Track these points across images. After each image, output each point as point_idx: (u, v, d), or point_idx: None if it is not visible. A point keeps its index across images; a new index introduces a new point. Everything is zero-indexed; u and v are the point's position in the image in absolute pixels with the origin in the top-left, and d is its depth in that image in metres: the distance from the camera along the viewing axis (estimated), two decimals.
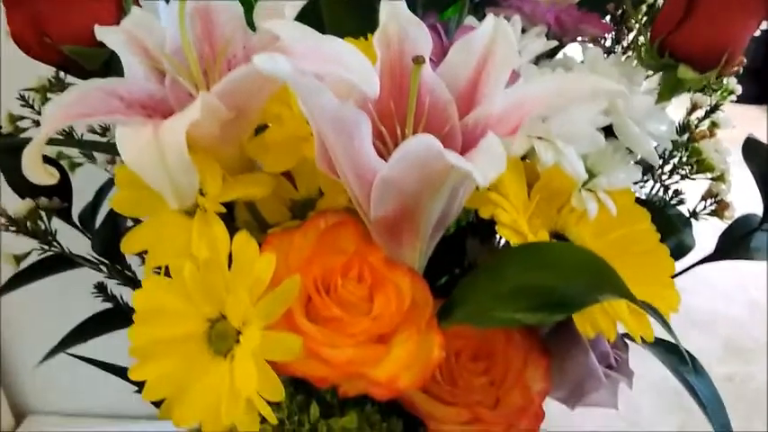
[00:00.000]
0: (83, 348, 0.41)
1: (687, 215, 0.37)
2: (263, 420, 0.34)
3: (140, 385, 0.29)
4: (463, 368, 0.33)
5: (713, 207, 0.36)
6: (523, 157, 0.33)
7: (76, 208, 0.40)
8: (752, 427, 1.38)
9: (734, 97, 0.40)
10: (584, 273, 0.23)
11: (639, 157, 0.37)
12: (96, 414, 0.84)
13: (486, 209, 0.30)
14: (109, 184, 0.38)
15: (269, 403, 0.35)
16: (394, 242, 0.28)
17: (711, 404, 0.36)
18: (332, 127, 0.22)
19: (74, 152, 0.39)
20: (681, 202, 0.39)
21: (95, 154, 0.37)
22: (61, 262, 0.36)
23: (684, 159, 0.35)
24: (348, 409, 0.34)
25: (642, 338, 0.39)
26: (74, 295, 0.40)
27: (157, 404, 0.27)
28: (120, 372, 0.36)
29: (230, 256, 0.27)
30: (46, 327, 0.79)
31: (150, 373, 0.26)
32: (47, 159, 0.37)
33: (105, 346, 0.40)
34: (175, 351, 0.26)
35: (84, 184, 0.39)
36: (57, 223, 0.37)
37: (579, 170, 0.30)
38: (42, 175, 0.26)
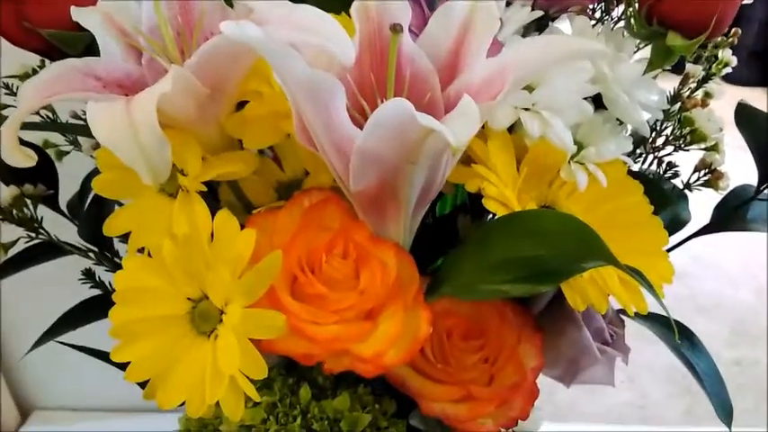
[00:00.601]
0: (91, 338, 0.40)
1: (682, 188, 0.36)
2: (255, 404, 0.34)
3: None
4: (455, 347, 0.33)
5: (707, 178, 0.35)
6: (511, 132, 0.32)
7: (67, 198, 0.40)
8: (759, 410, 1.37)
9: (736, 76, 0.39)
10: (569, 240, 0.22)
11: (631, 130, 0.37)
12: (102, 409, 0.84)
13: (472, 182, 0.29)
14: (95, 172, 0.38)
15: (256, 385, 0.35)
16: (378, 217, 0.27)
17: (710, 380, 0.35)
18: (306, 95, 0.22)
19: (60, 140, 0.38)
20: (675, 175, 0.38)
21: (81, 140, 0.37)
22: (49, 250, 0.35)
23: (677, 130, 0.35)
24: (340, 391, 0.34)
25: (640, 315, 0.39)
26: (78, 292, 0.40)
27: (143, 386, 0.27)
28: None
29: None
30: (49, 323, 0.80)
31: (132, 355, 0.25)
32: (32, 147, 0.37)
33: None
34: (157, 332, 0.26)
35: (74, 174, 0.39)
36: (45, 212, 0.37)
37: (566, 141, 0.29)
38: (19, 157, 0.26)
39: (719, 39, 0.40)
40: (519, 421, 0.37)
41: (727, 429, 0.35)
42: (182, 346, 0.26)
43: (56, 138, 0.39)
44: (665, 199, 0.35)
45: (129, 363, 0.28)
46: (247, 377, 0.25)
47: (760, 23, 2.20)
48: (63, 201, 0.40)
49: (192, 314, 0.26)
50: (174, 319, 0.26)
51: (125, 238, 0.29)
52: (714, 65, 0.40)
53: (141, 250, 0.28)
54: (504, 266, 0.25)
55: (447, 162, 0.26)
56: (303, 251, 0.28)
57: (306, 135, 0.25)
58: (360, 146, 0.22)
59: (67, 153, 0.39)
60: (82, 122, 0.35)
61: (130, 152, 0.22)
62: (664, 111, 0.34)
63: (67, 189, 0.40)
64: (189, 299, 0.26)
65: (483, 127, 0.31)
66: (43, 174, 0.35)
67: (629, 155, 0.35)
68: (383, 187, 0.24)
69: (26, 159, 0.26)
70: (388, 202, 0.26)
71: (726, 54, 0.40)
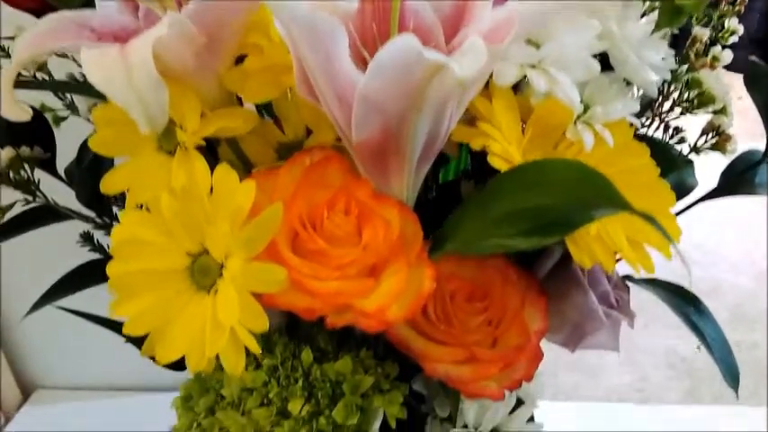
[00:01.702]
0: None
1: (689, 151, 0.36)
2: (258, 366, 0.34)
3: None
4: (459, 309, 0.32)
5: (715, 141, 0.35)
6: (516, 93, 0.32)
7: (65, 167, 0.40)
8: (758, 393, 1.37)
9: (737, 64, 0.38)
10: (577, 187, 0.22)
11: (639, 94, 0.36)
12: (105, 388, 0.84)
13: (477, 140, 0.29)
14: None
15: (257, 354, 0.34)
16: (380, 173, 0.27)
17: (717, 345, 0.35)
18: (307, 39, 0.21)
19: (57, 105, 0.38)
20: (682, 140, 0.37)
21: (78, 103, 0.36)
22: (47, 214, 0.35)
23: (684, 92, 0.34)
24: (342, 355, 0.34)
25: (647, 281, 0.39)
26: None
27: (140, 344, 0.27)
28: (110, 324, 0.35)
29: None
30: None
31: (130, 309, 0.25)
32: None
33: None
34: (156, 286, 0.25)
35: (72, 142, 0.39)
36: (42, 178, 0.37)
37: (573, 97, 0.29)
38: (15, 110, 0.25)
39: (725, 7, 0.40)
40: (524, 386, 0.36)
41: (725, 407, 0.35)
42: (181, 301, 0.25)
43: (53, 103, 0.38)
44: (672, 162, 0.35)
45: (137, 337, 0.28)
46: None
47: (760, 13, 2.19)
48: (61, 169, 0.39)
49: (192, 269, 0.26)
50: (172, 273, 0.25)
51: (122, 203, 0.29)
52: (720, 34, 0.39)
53: (139, 208, 0.28)
54: (509, 220, 0.25)
55: (451, 114, 0.25)
56: (304, 207, 0.27)
57: (307, 86, 0.24)
58: (362, 90, 0.21)
59: (65, 118, 0.38)
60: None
61: (126, 95, 0.21)
62: (671, 72, 0.34)
63: (65, 158, 0.39)
64: (188, 253, 0.26)
65: (487, 87, 0.31)
66: (40, 136, 0.35)
67: (635, 118, 0.35)
68: (386, 138, 0.24)
69: (21, 113, 0.26)
70: (391, 155, 0.25)
71: (732, 23, 0.40)
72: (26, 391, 0.84)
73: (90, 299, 0.38)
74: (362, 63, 0.26)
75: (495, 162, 0.28)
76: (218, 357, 0.26)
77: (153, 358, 0.35)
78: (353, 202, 0.28)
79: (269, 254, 0.26)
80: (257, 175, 0.29)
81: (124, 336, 0.35)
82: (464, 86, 0.19)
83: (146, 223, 0.25)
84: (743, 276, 1.72)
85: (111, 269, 0.25)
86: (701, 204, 0.37)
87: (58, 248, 0.39)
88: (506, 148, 0.28)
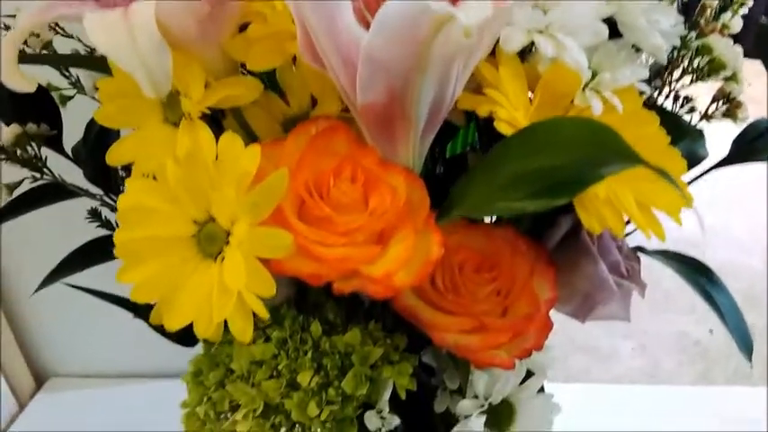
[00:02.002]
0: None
1: (699, 118, 0.35)
2: (267, 339, 0.34)
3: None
4: (467, 279, 0.32)
5: (726, 108, 0.34)
6: (523, 61, 0.32)
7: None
8: None
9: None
10: (587, 144, 0.21)
11: (649, 63, 0.36)
12: (117, 375, 0.85)
13: (483, 107, 0.29)
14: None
15: (263, 321, 0.34)
16: (386, 139, 0.26)
17: (730, 314, 0.34)
18: (311, 1, 0.21)
19: (63, 83, 0.38)
20: (692, 109, 0.37)
21: (83, 81, 0.36)
22: (55, 191, 0.35)
23: (694, 59, 0.33)
24: (351, 327, 0.33)
25: (659, 252, 0.38)
26: (96, 270, 0.39)
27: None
28: (120, 301, 0.35)
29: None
30: (64, 289, 0.80)
31: (137, 276, 0.25)
32: (37, 89, 0.36)
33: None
34: (163, 253, 0.25)
35: (79, 122, 0.39)
36: (49, 158, 0.37)
37: (581, 62, 0.28)
38: (19, 80, 0.25)
39: None
40: (534, 358, 0.36)
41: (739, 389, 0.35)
42: (188, 269, 0.25)
43: (59, 83, 0.38)
44: (682, 131, 0.34)
45: (147, 312, 0.28)
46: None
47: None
48: (68, 149, 0.39)
49: (198, 237, 0.26)
50: (179, 240, 0.25)
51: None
52: (732, 6, 0.38)
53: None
54: (517, 182, 0.24)
55: (457, 78, 0.25)
56: (310, 175, 0.27)
57: (311, 52, 0.24)
58: (366, 48, 0.21)
59: (71, 98, 0.38)
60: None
61: (130, 58, 0.21)
62: (681, 38, 0.33)
63: (72, 138, 0.39)
64: (194, 221, 0.26)
65: (494, 54, 0.30)
66: (46, 114, 0.35)
67: (644, 87, 0.34)
68: (392, 101, 0.24)
69: (25, 83, 0.26)
70: (397, 119, 0.25)
71: None
72: (40, 379, 0.85)
73: (100, 279, 0.38)
74: (366, 27, 0.25)
75: (502, 128, 0.28)
76: (226, 326, 0.26)
77: (162, 332, 0.35)
78: (360, 169, 0.27)
79: (275, 221, 0.26)
80: (263, 145, 0.29)
81: (134, 311, 0.35)
82: (469, 38, 0.19)
83: (151, 191, 0.25)
84: (754, 258, 1.71)
85: (117, 236, 0.25)
86: (711, 188, 0.37)
87: (70, 239, 0.39)
88: (513, 113, 0.28)
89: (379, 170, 0.27)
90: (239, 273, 0.23)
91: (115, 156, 0.28)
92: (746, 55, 0.36)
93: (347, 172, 0.27)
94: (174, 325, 0.25)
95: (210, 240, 0.25)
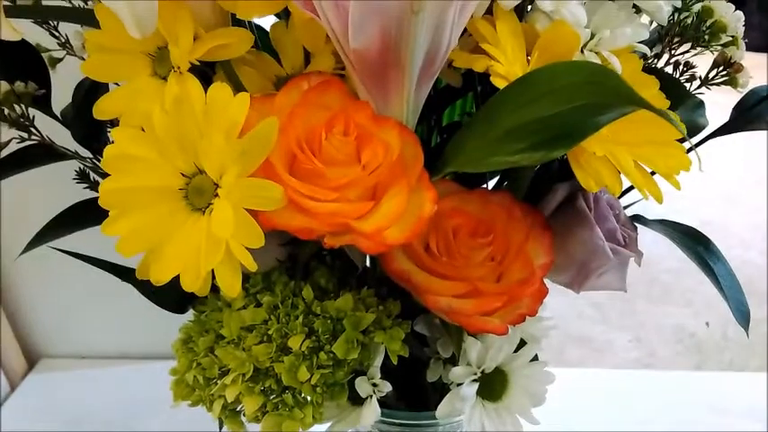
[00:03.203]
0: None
1: (699, 84, 0.35)
2: (258, 305, 0.33)
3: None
4: (462, 244, 0.32)
5: (726, 74, 0.34)
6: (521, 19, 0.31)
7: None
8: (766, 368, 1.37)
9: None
10: (587, 89, 0.21)
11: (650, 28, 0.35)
12: (109, 356, 0.84)
13: (480, 62, 0.28)
14: (85, 81, 0.37)
15: (257, 285, 0.34)
16: (380, 90, 0.26)
17: (728, 284, 0.34)
18: None
19: (53, 44, 0.37)
20: (692, 77, 0.36)
21: (73, 42, 0.35)
22: (44, 153, 0.34)
23: (695, 21, 0.33)
24: (343, 293, 0.33)
25: (657, 222, 0.38)
26: (84, 240, 0.38)
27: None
28: (107, 266, 0.34)
29: None
30: (56, 271, 0.79)
31: (123, 227, 0.24)
32: (23, 44, 0.36)
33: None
34: (150, 204, 0.24)
35: (67, 86, 0.38)
36: (39, 121, 0.36)
37: (579, 17, 0.28)
38: (7, 29, 0.25)
39: None
40: (527, 330, 0.36)
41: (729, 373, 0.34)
42: (176, 221, 0.25)
43: (49, 44, 0.37)
44: (681, 96, 0.33)
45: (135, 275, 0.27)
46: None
47: None
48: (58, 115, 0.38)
49: (187, 190, 0.25)
50: (166, 192, 0.25)
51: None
52: None
53: None
54: (513, 134, 0.24)
55: (452, 28, 0.24)
56: (302, 130, 0.27)
57: None
58: None
59: (61, 59, 0.38)
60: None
61: None
62: (682, 0, 0.32)
63: (61, 104, 0.39)
64: (182, 174, 0.25)
65: (491, 12, 0.30)
66: (35, 73, 0.34)
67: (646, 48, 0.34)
68: (385, 47, 0.23)
69: (12, 32, 0.25)
70: (391, 68, 0.24)
71: None
72: (31, 359, 0.84)
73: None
74: None
75: (499, 83, 0.27)
76: (216, 289, 0.26)
77: (152, 296, 0.35)
78: (353, 124, 0.27)
79: (266, 174, 0.25)
80: (254, 99, 0.28)
81: (120, 276, 0.35)
82: None
83: (138, 140, 0.24)
84: (752, 252, 1.71)
85: (103, 186, 0.24)
86: (710, 183, 0.36)
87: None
88: (510, 68, 0.27)
89: (373, 125, 0.27)
90: (227, 222, 0.23)
91: (103, 109, 0.27)
92: (753, 49, 0.35)
93: (340, 126, 0.27)
94: (160, 277, 0.24)
95: (199, 193, 0.25)
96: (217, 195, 0.25)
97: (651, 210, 0.37)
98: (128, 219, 0.24)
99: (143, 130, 0.25)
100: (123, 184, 0.24)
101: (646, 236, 0.36)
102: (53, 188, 0.41)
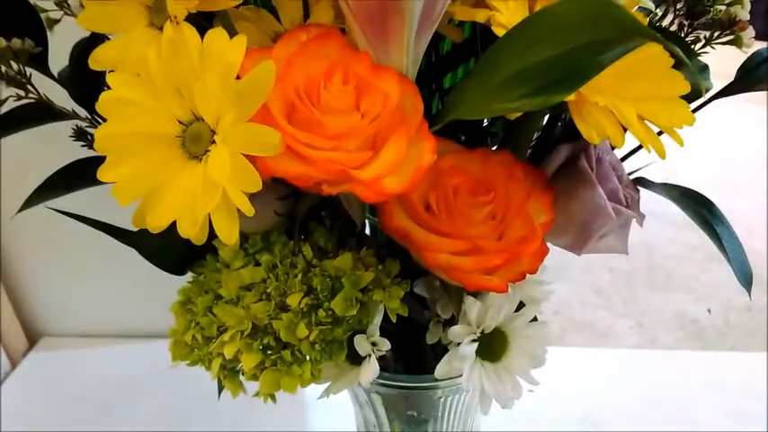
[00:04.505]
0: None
1: (703, 44, 0.34)
2: (256, 265, 0.33)
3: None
4: (462, 202, 0.31)
5: (731, 31, 0.33)
6: None
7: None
8: None
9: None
10: (586, 25, 0.20)
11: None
12: (110, 335, 0.85)
13: (481, 14, 0.28)
14: (83, 40, 0.36)
15: (257, 245, 0.33)
16: (380, 38, 0.25)
17: (731, 245, 0.34)
18: None
19: (50, 5, 0.37)
20: (697, 39, 0.36)
21: (70, 1, 0.35)
22: (41, 111, 0.34)
23: None
24: (342, 253, 0.33)
25: (660, 185, 0.37)
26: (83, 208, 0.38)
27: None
28: (106, 228, 0.34)
29: None
30: (59, 247, 0.79)
31: (119, 174, 0.24)
32: (23, 5, 0.35)
33: None
34: (146, 150, 0.24)
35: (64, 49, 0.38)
36: (36, 81, 0.36)
37: None
38: None
39: None
40: (527, 292, 0.36)
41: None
42: (172, 168, 0.24)
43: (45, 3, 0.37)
44: (685, 53, 0.33)
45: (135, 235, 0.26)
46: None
47: None
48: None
49: (183, 138, 0.25)
50: (162, 138, 0.24)
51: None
52: None
53: None
54: (515, 80, 0.23)
55: None
56: (300, 79, 0.26)
57: None
58: None
59: (58, 21, 0.37)
60: None
61: None
62: None
63: (58, 66, 0.38)
64: (179, 122, 0.25)
65: None
66: (32, 30, 0.34)
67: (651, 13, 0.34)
68: None
69: None
70: (390, 14, 0.24)
71: None
72: (32, 338, 0.85)
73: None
74: None
75: (500, 33, 0.26)
76: (214, 242, 0.25)
77: (151, 256, 0.34)
78: (351, 73, 0.26)
79: (264, 122, 0.25)
80: (251, 50, 0.28)
81: (119, 237, 0.35)
82: None
83: (134, 84, 0.24)
84: (755, 239, 1.70)
85: (99, 131, 0.24)
86: (714, 172, 0.36)
87: (67, 202, 0.38)
88: (511, 18, 0.27)
89: (372, 75, 0.26)
90: (224, 165, 0.22)
91: (99, 58, 0.27)
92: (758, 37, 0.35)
93: (338, 76, 0.26)
94: (157, 222, 0.24)
95: (195, 140, 0.25)
96: (214, 143, 0.24)
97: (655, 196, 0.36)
98: (124, 165, 0.24)
99: (139, 75, 0.25)
100: (119, 130, 0.24)
101: (650, 222, 0.36)
102: (49, 164, 0.40)
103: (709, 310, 1.55)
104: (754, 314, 1.50)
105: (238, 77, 0.24)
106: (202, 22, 0.29)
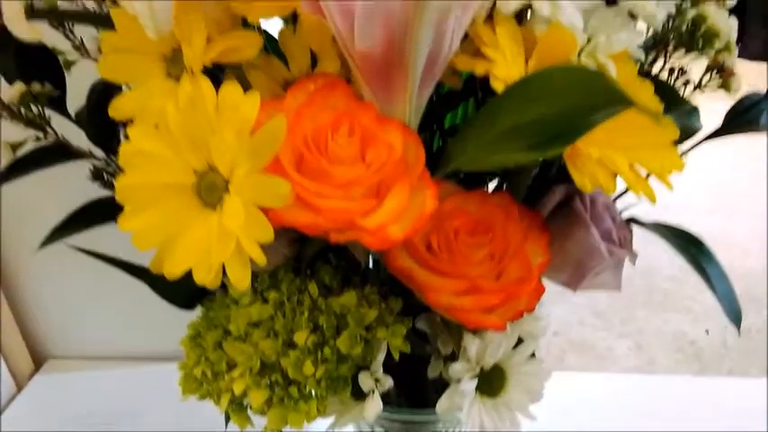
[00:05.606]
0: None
1: (693, 88, 0.36)
2: (265, 302, 0.34)
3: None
4: (462, 243, 0.33)
5: (719, 78, 0.35)
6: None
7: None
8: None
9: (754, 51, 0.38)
10: (578, 90, 0.22)
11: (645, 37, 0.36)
12: (116, 357, 0.85)
13: (480, 65, 0.29)
14: (100, 83, 0.38)
15: (264, 284, 0.35)
16: (384, 91, 0.27)
17: (720, 283, 0.35)
18: None
19: (67, 46, 0.38)
20: (686, 82, 0.37)
21: (88, 45, 0.36)
22: (59, 152, 0.36)
23: (690, 28, 0.34)
24: (347, 290, 0.34)
25: (651, 225, 0.39)
26: (95, 239, 0.39)
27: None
28: (124, 265, 0.36)
29: None
30: (65, 270, 0.80)
31: (138, 223, 0.25)
32: (39, 46, 0.37)
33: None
34: (163, 200, 0.26)
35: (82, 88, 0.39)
36: (54, 122, 0.37)
37: (576, 22, 0.29)
38: (25, 28, 0.26)
39: None
40: (525, 328, 0.37)
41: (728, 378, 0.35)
42: (187, 216, 0.26)
43: (63, 46, 0.39)
44: (675, 100, 0.35)
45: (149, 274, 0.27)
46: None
47: None
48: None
49: (199, 186, 0.26)
50: (180, 189, 0.26)
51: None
52: None
53: None
54: (512, 134, 0.25)
55: (453, 32, 0.26)
56: (309, 129, 0.28)
57: (312, 1, 0.25)
58: None
59: (74, 63, 0.39)
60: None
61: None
62: (676, 6, 0.34)
63: (76, 104, 0.40)
64: (195, 171, 0.26)
65: (492, 17, 0.31)
66: (51, 74, 0.35)
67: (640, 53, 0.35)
68: (389, 48, 0.24)
69: (32, 32, 0.26)
70: (395, 68, 0.26)
71: None
72: (38, 360, 0.85)
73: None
74: None
75: (498, 86, 0.28)
76: (224, 287, 0.27)
77: (162, 292, 0.36)
78: (357, 124, 0.28)
79: (274, 172, 0.26)
80: (262, 102, 0.29)
81: (133, 273, 0.36)
82: None
83: (153, 137, 0.25)
84: (753, 260, 1.71)
85: (119, 182, 0.25)
86: (711, 194, 0.37)
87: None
88: (509, 72, 0.28)
89: (377, 126, 0.28)
90: (238, 216, 0.24)
91: (118, 108, 0.29)
92: (754, 58, 0.36)
93: (345, 127, 0.28)
94: (174, 270, 0.25)
95: (210, 190, 0.26)
96: (227, 191, 0.26)
97: (649, 217, 0.38)
98: (142, 214, 0.25)
99: (157, 127, 0.26)
100: (138, 180, 0.25)
101: (647, 246, 0.37)
102: (55, 186, 0.41)
103: (707, 331, 1.55)
104: (752, 335, 1.51)
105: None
106: (214, 71, 0.30)
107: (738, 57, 0.37)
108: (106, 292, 0.81)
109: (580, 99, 0.22)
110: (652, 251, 0.39)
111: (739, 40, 0.37)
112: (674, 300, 1.59)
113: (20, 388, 0.81)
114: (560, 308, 1.58)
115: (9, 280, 0.81)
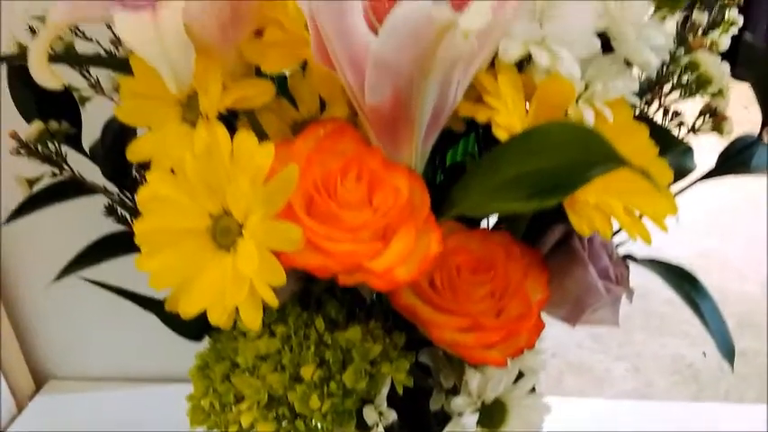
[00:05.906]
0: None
1: (687, 131, 0.37)
2: (272, 335, 0.35)
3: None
4: (464, 280, 0.34)
5: (712, 121, 0.36)
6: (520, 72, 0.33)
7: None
8: (762, 399, 1.38)
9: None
10: (577, 147, 0.23)
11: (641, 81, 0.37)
12: (117, 378, 0.86)
13: (482, 113, 0.30)
14: (114, 120, 0.39)
15: (272, 317, 0.36)
16: (391, 139, 0.28)
17: (713, 320, 0.36)
18: (324, 7, 0.23)
19: (82, 84, 0.39)
20: (680, 124, 0.39)
21: (104, 83, 0.38)
22: (73, 187, 0.37)
23: (683, 74, 0.35)
24: (352, 325, 0.35)
25: (647, 261, 0.40)
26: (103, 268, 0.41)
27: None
28: (135, 297, 0.37)
29: None
30: (67, 290, 0.81)
31: (155, 264, 0.26)
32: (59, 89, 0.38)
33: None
34: (179, 243, 0.27)
35: (96, 123, 0.40)
36: (69, 157, 0.38)
37: (574, 72, 0.30)
38: (48, 75, 0.27)
39: None
40: (525, 362, 0.38)
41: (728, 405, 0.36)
42: (203, 259, 0.27)
43: (78, 83, 0.40)
44: (670, 143, 0.36)
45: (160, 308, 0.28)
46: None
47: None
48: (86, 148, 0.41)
49: (214, 230, 0.27)
50: (195, 232, 0.27)
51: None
52: (721, 26, 0.40)
53: None
54: (512, 184, 0.26)
55: (458, 85, 0.27)
56: (318, 174, 0.29)
57: (323, 53, 0.26)
58: (375, 52, 0.23)
59: (89, 99, 0.40)
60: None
61: (157, 56, 0.23)
62: (670, 53, 0.35)
63: (90, 138, 0.41)
64: (210, 215, 0.27)
65: (493, 65, 0.32)
66: (67, 112, 0.36)
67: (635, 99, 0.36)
68: (397, 103, 0.25)
69: (55, 80, 0.28)
70: (401, 121, 0.27)
71: (733, 14, 0.41)
72: (39, 380, 0.86)
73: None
74: (374, 32, 0.27)
75: (500, 133, 0.29)
76: (236, 318, 0.28)
77: (172, 325, 0.37)
78: (365, 169, 0.29)
79: (286, 216, 0.27)
80: (276, 147, 0.30)
81: (144, 305, 0.37)
82: (468, 41, 0.20)
83: (170, 183, 0.26)
84: (749, 284, 1.72)
85: (137, 226, 0.26)
86: (708, 214, 0.38)
87: (70, 242, 0.40)
88: (510, 120, 0.30)
89: (384, 171, 0.29)
90: (252, 260, 0.25)
91: (135, 152, 0.30)
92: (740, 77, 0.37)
93: (353, 172, 0.29)
94: (189, 311, 0.26)
95: (225, 233, 0.27)
96: (241, 235, 0.27)
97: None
98: (159, 256, 0.26)
99: (173, 172, 0.27)
100: (155, 225, 0.26)
101: (644, 271, 0.38)
102: (55, 206, 0.42)
103: (704, 354, 1.56)
104: (749, 359, 1.52)
105: None
106: (228, 115, 0.32)
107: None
108: (108, 313, 0.82)
109: (577, 155, 0.23)
110: (649, 275, 0.41)
111: (745, 28, 0.38)
112: (670, 323, 1.60)
113: (20, 408, 0.81)
114: (558, 330, 1.59)
115: (10, 299, 0.82)
